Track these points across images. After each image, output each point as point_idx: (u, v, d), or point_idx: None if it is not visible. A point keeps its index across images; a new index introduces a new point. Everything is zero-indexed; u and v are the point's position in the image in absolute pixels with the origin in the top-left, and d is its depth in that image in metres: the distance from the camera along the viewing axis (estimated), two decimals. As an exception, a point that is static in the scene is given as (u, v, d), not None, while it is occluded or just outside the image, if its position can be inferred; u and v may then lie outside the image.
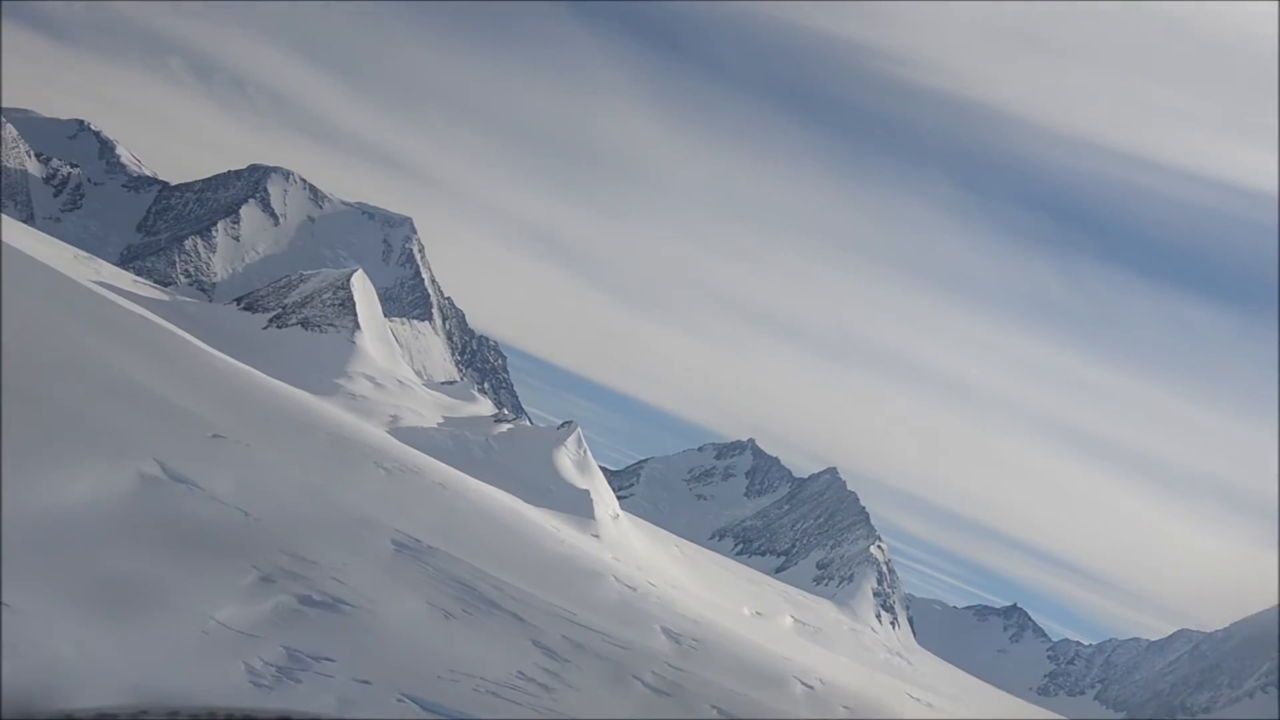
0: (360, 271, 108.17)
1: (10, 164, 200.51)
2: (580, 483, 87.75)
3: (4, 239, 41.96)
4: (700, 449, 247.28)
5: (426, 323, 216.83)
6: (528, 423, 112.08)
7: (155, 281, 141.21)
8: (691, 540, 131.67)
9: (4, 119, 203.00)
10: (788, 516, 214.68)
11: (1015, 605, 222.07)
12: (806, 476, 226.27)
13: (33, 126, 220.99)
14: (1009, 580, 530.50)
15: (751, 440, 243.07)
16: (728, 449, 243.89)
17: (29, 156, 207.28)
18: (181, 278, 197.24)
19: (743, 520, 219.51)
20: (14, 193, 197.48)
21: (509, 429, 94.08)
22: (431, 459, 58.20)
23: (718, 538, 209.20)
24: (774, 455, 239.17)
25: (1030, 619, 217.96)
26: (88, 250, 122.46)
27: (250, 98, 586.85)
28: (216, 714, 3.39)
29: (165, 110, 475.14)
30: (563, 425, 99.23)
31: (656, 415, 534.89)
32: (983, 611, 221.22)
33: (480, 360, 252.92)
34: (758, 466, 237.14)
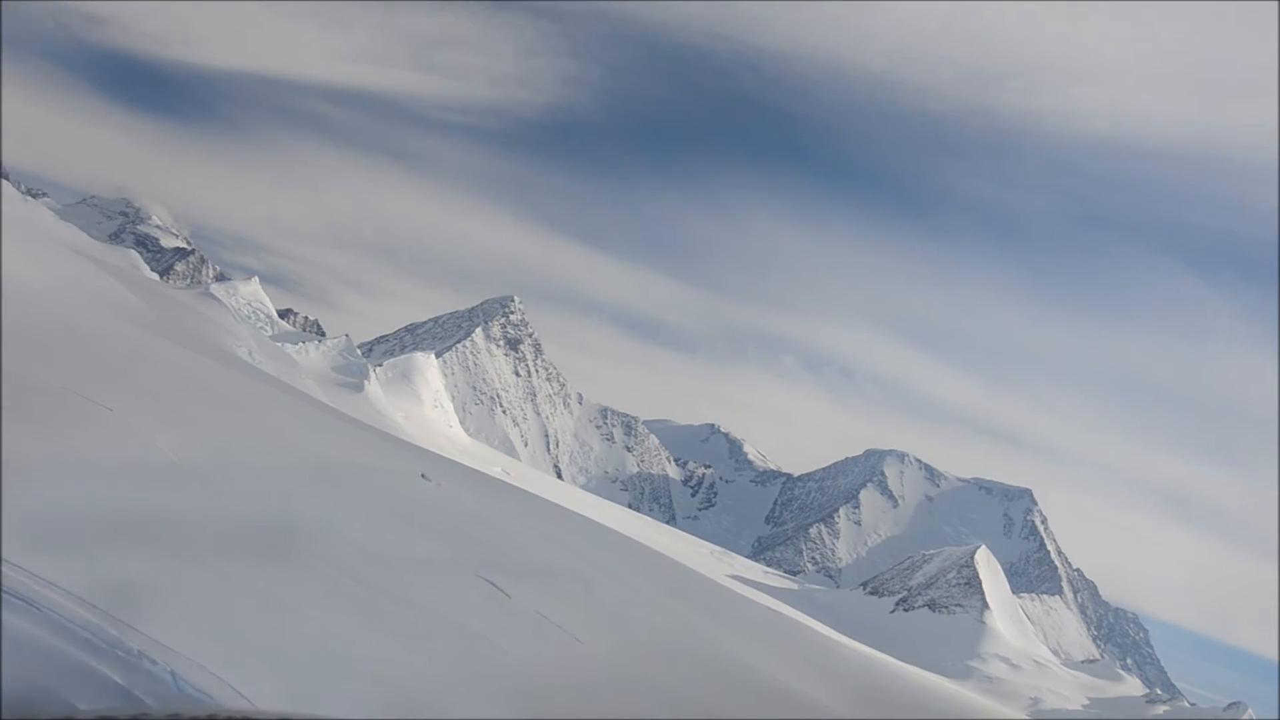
0: (984, 548, 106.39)
1: (654, 470, 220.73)
2: (1259, 770, 77.24)
3: (644, 542, 44.88)
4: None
5: (1057, 597, 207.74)
6: (1185, 703, 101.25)
7: (784, 570, 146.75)
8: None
9: (649, 431, 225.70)
10: None
11: None
12: None
13: (671, 435, 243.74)
14: None
15: None
16: None
17: (669, 462, 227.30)
18: (809, 565, 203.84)
19: None
20: (658, 496, 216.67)
21: (1165, 710, 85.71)
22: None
23: None
24: None
25: None
26: (722, 545, 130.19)
27: (859, 385, 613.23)
28: (217, 715, 3.22)
29: (783, 405, 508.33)
30: (1230, 705, 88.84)
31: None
32: None
33: (1119, 634, 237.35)
34: None
